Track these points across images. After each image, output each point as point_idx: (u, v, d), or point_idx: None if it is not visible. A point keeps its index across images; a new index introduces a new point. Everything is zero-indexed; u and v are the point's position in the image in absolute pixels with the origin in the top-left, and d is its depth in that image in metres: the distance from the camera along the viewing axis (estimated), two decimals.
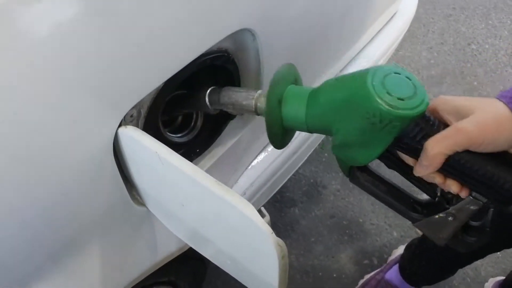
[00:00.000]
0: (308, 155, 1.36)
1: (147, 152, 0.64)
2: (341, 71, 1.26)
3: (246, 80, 0.89)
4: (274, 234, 0.55)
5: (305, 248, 1.80)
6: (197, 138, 0.89)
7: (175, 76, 0.70)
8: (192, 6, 0.67)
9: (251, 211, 0.56)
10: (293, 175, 1.90)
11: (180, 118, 0.90)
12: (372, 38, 1.36)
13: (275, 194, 1.62)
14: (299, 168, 1.94)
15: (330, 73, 1.20)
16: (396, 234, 1.85)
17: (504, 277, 1.67)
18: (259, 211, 0.64)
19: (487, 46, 2.54)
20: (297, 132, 1.15)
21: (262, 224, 0.54)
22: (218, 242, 0.72)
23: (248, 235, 0.59)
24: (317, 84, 1.18)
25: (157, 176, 0.68)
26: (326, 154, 2.03)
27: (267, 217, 0.59)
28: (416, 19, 2.60)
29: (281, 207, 1.88)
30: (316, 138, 1.27)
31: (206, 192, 0.59)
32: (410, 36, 2.52)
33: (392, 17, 1.44)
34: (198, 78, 0.85)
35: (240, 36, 0.81)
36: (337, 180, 1.96)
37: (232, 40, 0.80)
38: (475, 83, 2.37)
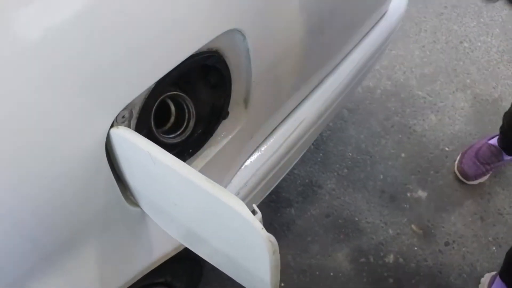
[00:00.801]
0: (301, 155, 1.37)
1: (139, 152, 0.65)
2: (333, 69, 1.27)
3: (237, 79, 0.90)
4: (264, 229, 0.56)
5: (301, 248, 1.80)
6: (189, 139, 0.89)
7: (165, 76, 0.71)
8: (181, 7, 0.68)
9: (242, 208, 0.56)
10: (288, 175, 1.91)
11: (172, 118, 0.90)
12: (364, 37, 1.37)
13: (270, 195, 1.63)
14: (294, 168, 1.96)
15: (322, 72, 1.21)
16: (391, 232, 1.86)
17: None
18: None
19: (479, 44, 2.55)
20: (288, 133, 1.16)
21: (253, 221, 0.55)
22: (211, 240, 0.72)
23: (239, 232, 0.60)
24: (310, 82, 1.19)
25: (149, 176, 0.69)
26: (321, 154, 2.04)
27: (259, 214, 0.60)
28: (408, 18, 2.61)
29: (277, 207, 1.89)
30: (309, 138, 1.28)
31: (197, 190, 0.60)
32: (403, 35, 2.53)
33: (382, 16, 1.45)
34: (189, 78, 0.85)
35: (230, 37, 0.81)
36: (332, 179, 1.97)
37: (222, 41, 0.80)
38: (468, 80, 2.38)
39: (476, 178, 2.00)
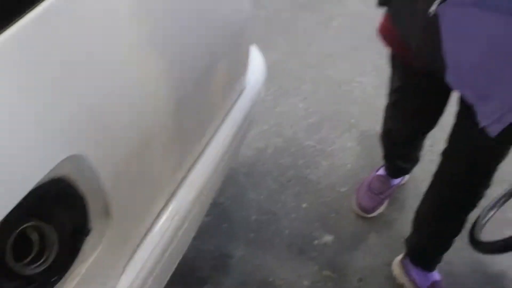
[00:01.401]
0: (191, 238, 1.42)
1: None
2: (196, 160, 1.33)
3: (91, 197, 0.94)
4: None
5: None
6: (55, 264, 0.91)
7: (9, 214, 0.73)
8: (8, 146, 0.71)
9: None
10: (197, 253, 1.96)
11: (35, 248, 0.92)
12: (224, 119, 1.45)
13: (183, 277, 1.66)
14: (203, 244, 2.00)
15: (183, 167, 1.28)
16: (306, 282, 1.92)
17: None
18: None
19: (355, 84, 2.75)
20: (165, 228, 1.21)
21: None
22: None
23: None
24: (173, 179, 1.23)
25: None
26: (225, 224, 2.11)
27: None
28: (288, 74, 2.78)
29: None
30: (192, 224, 1.33)
31: None
32: (284, 92, 2.68)
33: (240, 94, 1.55)
34: (43, 205, 0.88)
35: (71, 162, 0.84)
36: (241, 246, 2.03)
37: (63, 167, 0.83)
38: (352, 120, 2.54)
39: (374, 209, 2.14)
